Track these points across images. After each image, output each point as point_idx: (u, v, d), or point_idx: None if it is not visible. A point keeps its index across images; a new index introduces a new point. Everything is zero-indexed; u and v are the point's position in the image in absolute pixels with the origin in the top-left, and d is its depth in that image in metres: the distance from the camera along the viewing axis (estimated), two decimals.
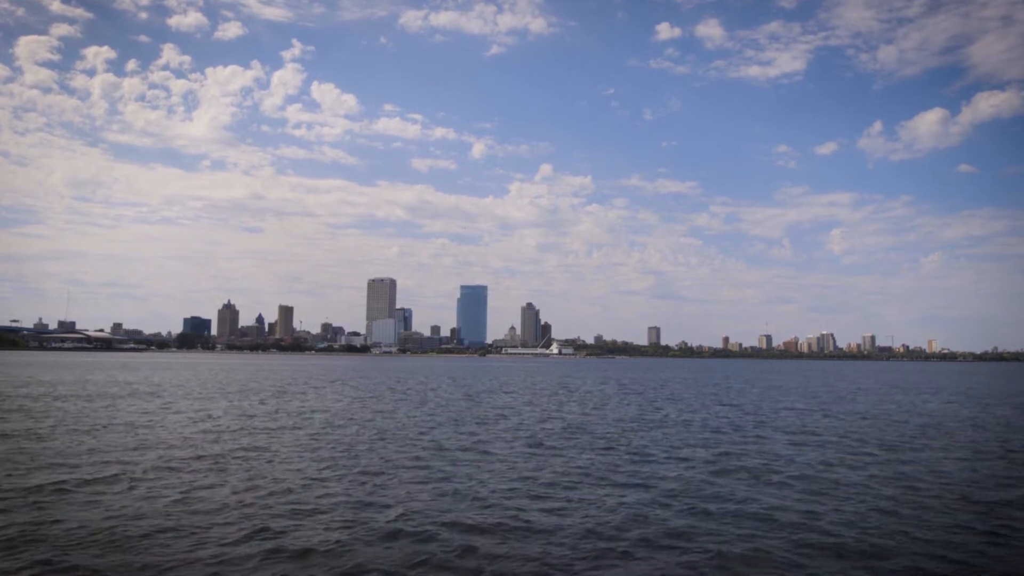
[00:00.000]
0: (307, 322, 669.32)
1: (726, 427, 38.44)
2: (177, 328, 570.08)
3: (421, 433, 33.62)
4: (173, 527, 15.90)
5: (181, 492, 19.42)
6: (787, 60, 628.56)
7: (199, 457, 25.40)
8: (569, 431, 35.63)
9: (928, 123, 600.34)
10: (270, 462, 24.68)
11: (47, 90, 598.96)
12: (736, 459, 26.92)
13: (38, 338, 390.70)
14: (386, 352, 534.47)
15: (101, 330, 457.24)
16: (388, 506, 18.23)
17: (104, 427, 34.02)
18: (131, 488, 19.87)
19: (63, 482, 20.37)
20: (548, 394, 67.93)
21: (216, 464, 24.01)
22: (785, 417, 45.03)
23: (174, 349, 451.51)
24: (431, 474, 22.91)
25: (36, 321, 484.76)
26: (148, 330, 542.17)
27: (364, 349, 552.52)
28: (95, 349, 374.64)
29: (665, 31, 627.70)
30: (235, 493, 19.43)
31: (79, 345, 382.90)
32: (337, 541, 15.04)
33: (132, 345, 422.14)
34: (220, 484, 20.68)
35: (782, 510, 18.45)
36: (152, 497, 18.78)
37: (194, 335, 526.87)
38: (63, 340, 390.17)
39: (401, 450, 28.08)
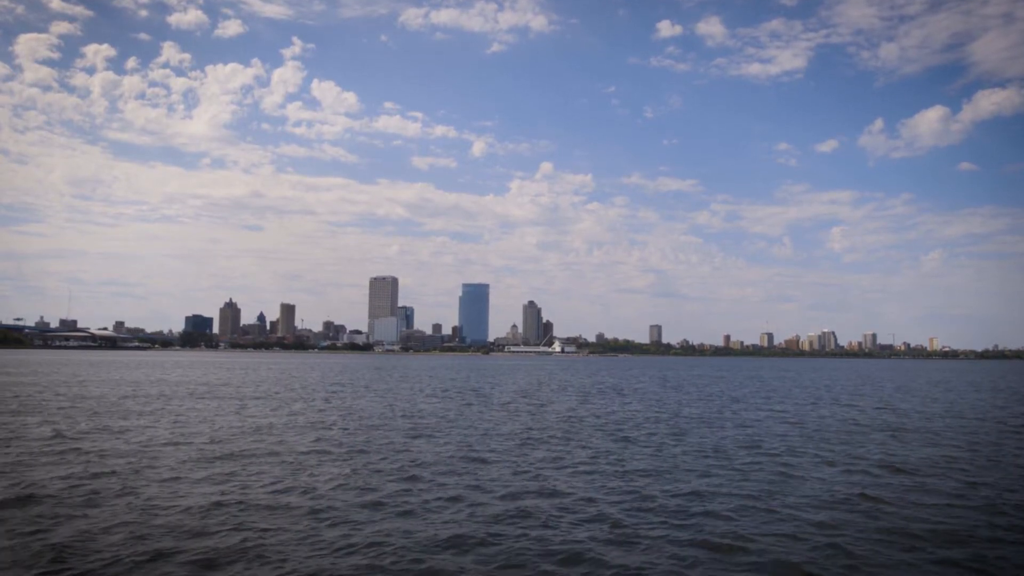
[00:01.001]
0: (308, 320, 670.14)
1: (820, 426, 38.97)
2: (178, 326, 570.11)
3: (558, 431, 34.18)
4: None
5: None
6: (788, 58, 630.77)
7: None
8: (670, 430, 36.19)
9: (929, 121, 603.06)
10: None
11: (47, 88, 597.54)
12: (866, 456, 27.47)
13: (42, 336, 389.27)
14: (389, 350, 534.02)
15: (105, 328, 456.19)
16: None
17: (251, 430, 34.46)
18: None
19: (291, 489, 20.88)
20: (595, 394, 68.49)
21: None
22: (860, 416, 45.57)
23: (178, 348, 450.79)
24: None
25: (38, 319, 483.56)
26: (149, 328, 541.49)
27: (367, 347, 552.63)
28: (100, 347, 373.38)
29: (666, 29, 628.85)
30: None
31: (84, 344, 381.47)
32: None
33: (137, 344, 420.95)
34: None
35: (976, 498, 19.10)
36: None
37: (197, 334, 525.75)
38: (68, 339, 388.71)
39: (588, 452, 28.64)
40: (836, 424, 39.02)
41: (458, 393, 62.89)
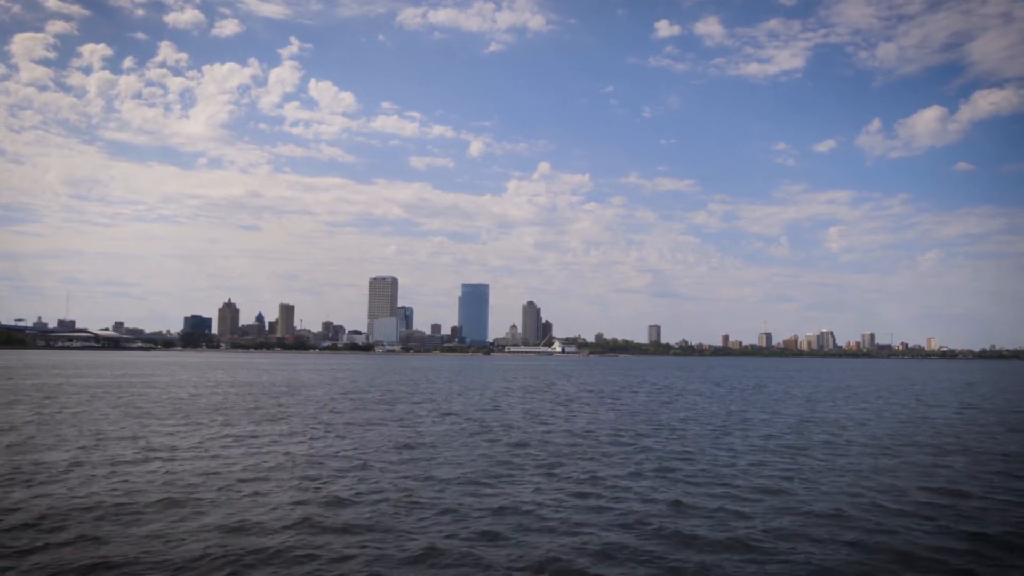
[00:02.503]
0: (306, 321, 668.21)
1: (921, 429, 39.73)
2: (176, 327, 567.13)
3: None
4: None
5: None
6: (786, 57, 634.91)
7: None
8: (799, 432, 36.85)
9: (926, 121, 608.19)
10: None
11: (43, 88, 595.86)
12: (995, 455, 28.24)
13: (44, 337, 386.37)
14: (390, 351, 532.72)
15: (106, 329, 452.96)
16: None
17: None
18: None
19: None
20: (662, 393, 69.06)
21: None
22: (954, 418, 46.43)
23: (179, 348, 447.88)
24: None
25: (36, 320, 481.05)
26: (148, 328, 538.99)
27: (367, 348, 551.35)
28: (103, 348, 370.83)
29: (664, 28, 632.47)
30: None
31: (87, 344, 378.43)
32: None
33: (140, 344, 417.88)
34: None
35: None
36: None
37: (198, 334, 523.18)
38: (71, 339, 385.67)
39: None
40: (958, 426, 39.77)
41: (555, 393, 63.32)
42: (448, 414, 41.98)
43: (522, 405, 50.24)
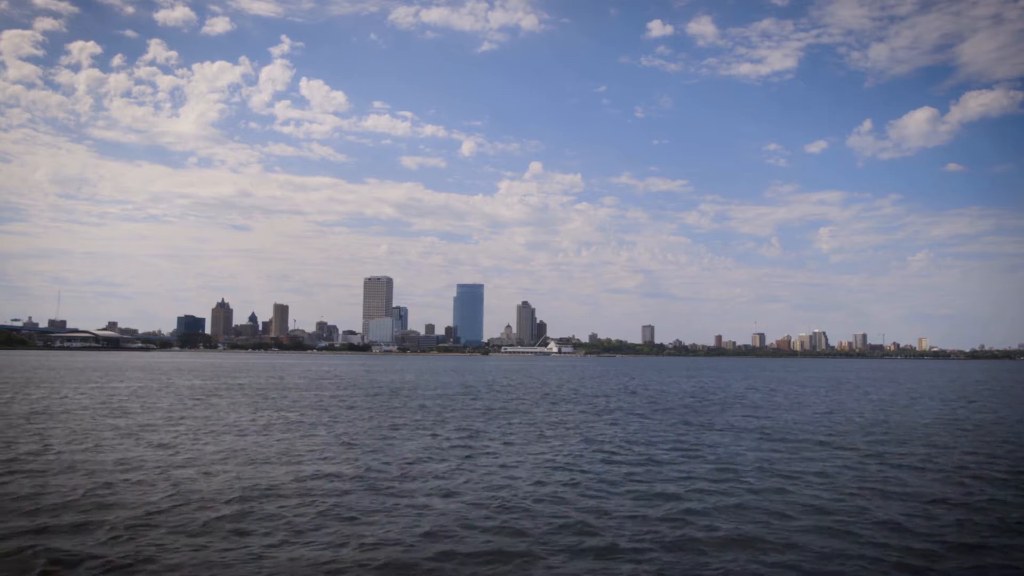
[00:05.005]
0: (298, 321, 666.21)
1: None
2: (166, 327, 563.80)
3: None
4: None
5: None
6: (779, 58, 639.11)
7: None
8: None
9: (917, 122, 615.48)
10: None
11: (31, 85, 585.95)
12: None
13: (43, 337, 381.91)
14: (386, 351, 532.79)
15: (102, 329, 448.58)
16: None
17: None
18: None
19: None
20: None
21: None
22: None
23: (176, 348, 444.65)
24: None
25: (26, 320, 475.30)
26: (139, 329, 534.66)
27: (364, 348, 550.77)
28: (103, 349, 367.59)
29: (657, 28, 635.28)
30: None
31: (87, 344, 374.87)
32: None
33: (140, 344, 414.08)
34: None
35: None
36: None
37: (194, 334, 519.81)
38: (70, 339, 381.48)
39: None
40: None
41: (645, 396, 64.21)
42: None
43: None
